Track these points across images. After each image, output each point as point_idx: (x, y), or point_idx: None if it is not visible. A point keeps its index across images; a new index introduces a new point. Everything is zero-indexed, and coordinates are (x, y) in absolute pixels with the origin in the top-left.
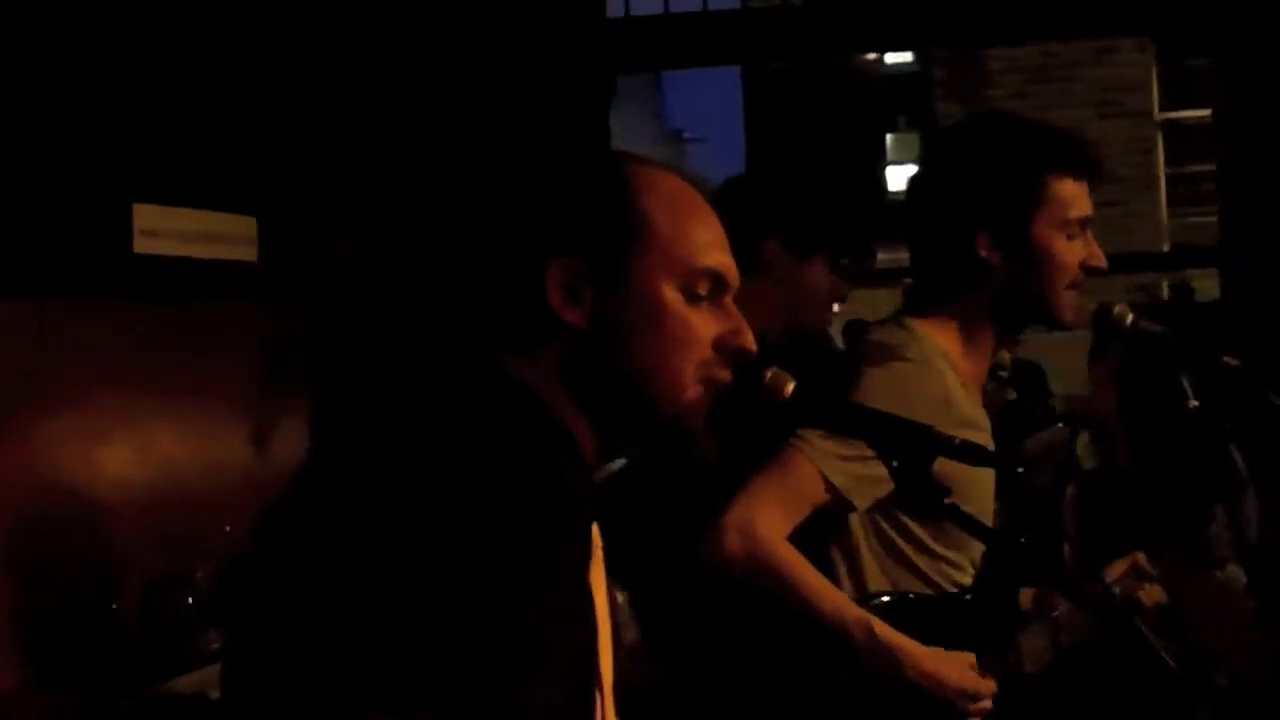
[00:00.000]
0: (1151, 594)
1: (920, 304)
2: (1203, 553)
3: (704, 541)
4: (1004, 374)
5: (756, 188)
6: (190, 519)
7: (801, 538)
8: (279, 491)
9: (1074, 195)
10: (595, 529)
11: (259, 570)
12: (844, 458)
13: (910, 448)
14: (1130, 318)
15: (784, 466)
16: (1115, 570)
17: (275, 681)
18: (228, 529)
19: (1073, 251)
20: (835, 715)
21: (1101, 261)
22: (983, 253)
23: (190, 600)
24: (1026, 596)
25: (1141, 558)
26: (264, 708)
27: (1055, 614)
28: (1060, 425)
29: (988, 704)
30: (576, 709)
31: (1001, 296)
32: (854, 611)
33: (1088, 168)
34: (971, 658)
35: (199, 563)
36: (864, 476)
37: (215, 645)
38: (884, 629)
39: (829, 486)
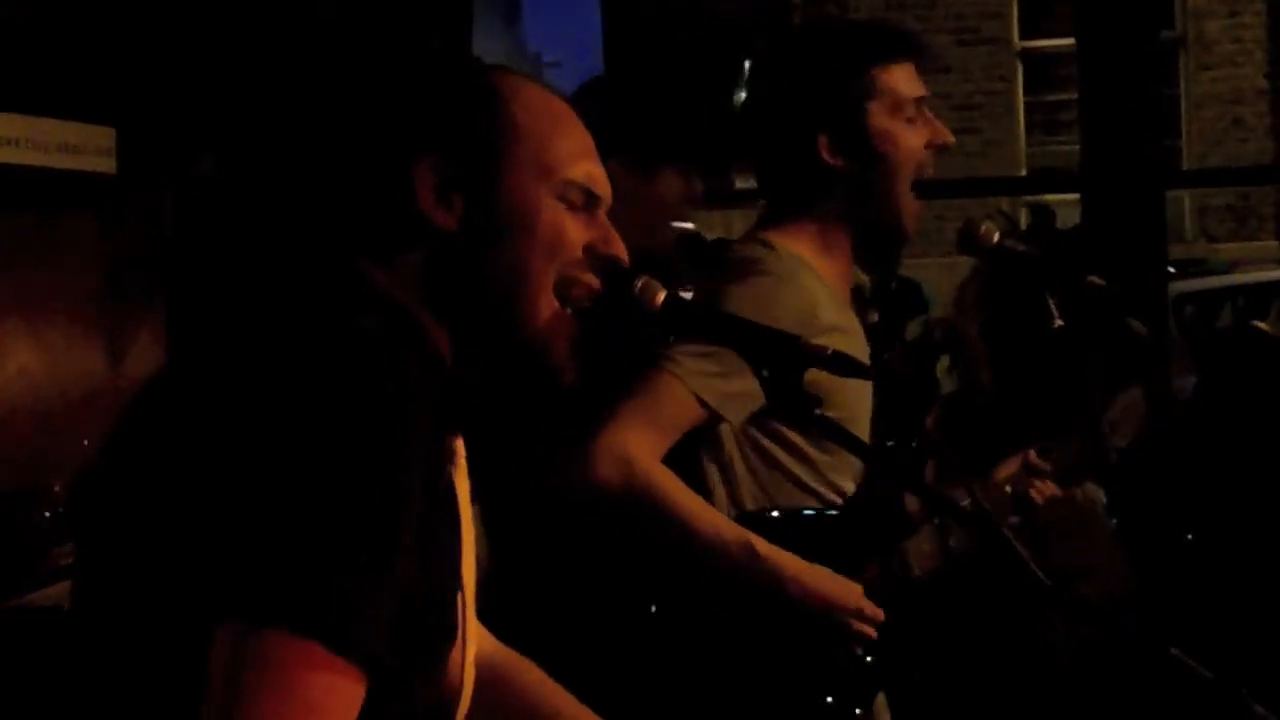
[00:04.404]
0: (1043, 490)
1: (774, 217)
2: (1062, 472)
3: (574, 466)
4: (865, 294)
5: (601, 105)
6: (47, 433)
7: (672, 458)
8: (131, 403)
9: (903, 78)
10: (459, 440)
11: (111, 482)
12: (713, 374)
13: (781, 358)
14: (996, 235)
15: (654, 388)
16: (1007, 468)
17: (126, 593)
18: (85, 443)
19: (916, 135)
20: (717, 641)
21: (948, 137)
22: (826, 156)
23: (47, 515)
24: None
25: (1033, 454)
26: (115, 620)
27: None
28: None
29: (872, 627)
30: (441, 605)
31: (851, 199)
32: (734, 531)
33: (907, 48)
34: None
35: (55, 477)
36: (733, 392)
37: (72, 559)
38: (766, 547)
39: (701, 404)
